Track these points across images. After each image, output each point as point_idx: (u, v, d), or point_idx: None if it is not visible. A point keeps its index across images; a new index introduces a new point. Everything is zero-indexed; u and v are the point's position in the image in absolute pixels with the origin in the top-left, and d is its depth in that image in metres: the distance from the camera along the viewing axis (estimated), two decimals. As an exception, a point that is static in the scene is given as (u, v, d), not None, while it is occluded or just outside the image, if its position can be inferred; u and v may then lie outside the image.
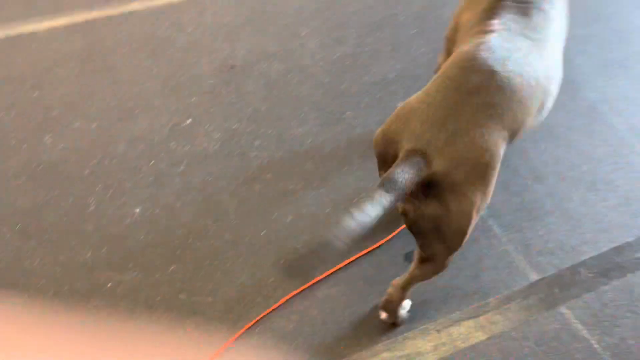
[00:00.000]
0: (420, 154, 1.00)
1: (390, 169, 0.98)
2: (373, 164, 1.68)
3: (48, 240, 1.49)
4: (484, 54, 1.11)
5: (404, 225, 1.48)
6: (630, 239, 1.62)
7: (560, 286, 1.53)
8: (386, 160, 1.09)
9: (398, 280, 1.36)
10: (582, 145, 1.80)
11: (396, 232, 1.57)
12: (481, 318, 1.46)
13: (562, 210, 1.66)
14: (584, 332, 1.45)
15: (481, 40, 1.15)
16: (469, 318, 1.46)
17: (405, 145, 1.02)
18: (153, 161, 1.65)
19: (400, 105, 1.11)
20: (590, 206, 1.67)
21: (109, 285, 1.44)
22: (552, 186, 1.71)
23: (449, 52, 1.44)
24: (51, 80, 1.80)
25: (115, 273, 1.46)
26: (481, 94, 1.05)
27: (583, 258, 1.57)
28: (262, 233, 1.55)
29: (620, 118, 1.87)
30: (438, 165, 1.00)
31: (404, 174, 0.97)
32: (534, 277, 1.54)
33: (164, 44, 1.91)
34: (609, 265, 1.57)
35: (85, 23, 1.94)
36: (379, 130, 1.11)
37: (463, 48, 1.16)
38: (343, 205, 1.61)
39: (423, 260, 1.22)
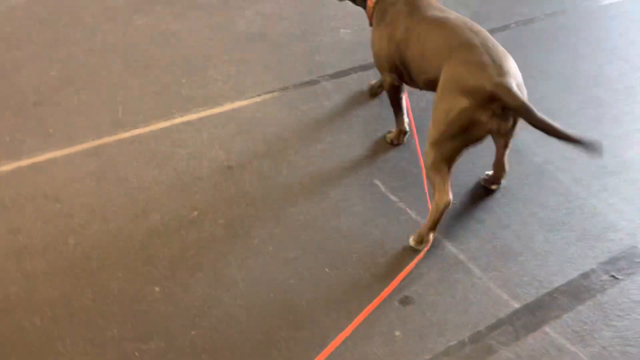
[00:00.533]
0: None
1: None
2: (352, 228, 1.93)
3: (77, 323, 1.64)
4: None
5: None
6: (593, 266, 1.84)
7: (541, 310, 1.71)
8: None
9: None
10: (537, 197, 2.09)
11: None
12: (476, 344, 1.62)
13: (529, 250, 1.90)
14: (569, 346, 1.62)
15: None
16: (464, 345, 1.62)
17: None
18: (167, 249, 1.86)
19: None
20: (552, 244, 1.92)
21: (135, 354, 1.57)
22: (517, 231, 1.96)
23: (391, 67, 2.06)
24: (70, 194, 2.05)
25: (140, 343, 1.60)
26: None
27: (556, 285, 1.78)
28: (270, 296, 1.73)
29: (565, 173, 2.18)
30: None
31: None
32: (516, 305, 1.72)
33: (168, 157, 2.21)
34: (580, 289, 1.78)
35: (97, 147, 2.25)
36: None
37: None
38: (337, 267, 1.82)
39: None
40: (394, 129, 2.28)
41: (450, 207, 1.82)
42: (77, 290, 1.73)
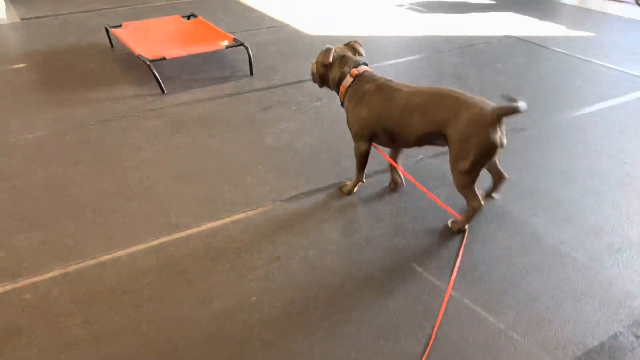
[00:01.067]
0: None
1: None
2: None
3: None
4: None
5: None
6: (620, 329, 2.03)
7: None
8: None
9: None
10: (558, 272, 2.32)
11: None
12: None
13: (561, 317, 2.09)
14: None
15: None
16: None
17: None
18: (232, 330, 2.03)
19: None
20: (579, 312, 2.12)
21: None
22: (546, 302, 2.17)
23: (371, 136, 2.67)
24: (137, 287, 2.23)
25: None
26: None
27: (590, 347, 1.96)
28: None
29: (578, 252, 2.44)
30: None
31: None
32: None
33: (221, 251, 2.43)
34: (612, 349, 1.95)
35: (156, 246, 2.47)
36: None
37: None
38: (387, 338, 1.99)
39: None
40: (349, 182, 2.89)
41: (482, 209, 2.53)
42: (155, 370, 1.86)
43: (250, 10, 6.13)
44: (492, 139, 2.31)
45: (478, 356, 1.93)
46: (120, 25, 4.83)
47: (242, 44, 4.35)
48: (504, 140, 2.38)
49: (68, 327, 2.05)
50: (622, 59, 4.69)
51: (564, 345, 1.97)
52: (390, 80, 2.61)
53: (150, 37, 4.59)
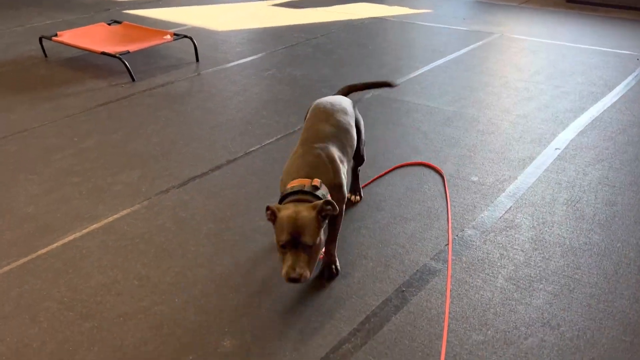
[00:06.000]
0: None
1: None
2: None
3: None
4: None
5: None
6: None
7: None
8: None
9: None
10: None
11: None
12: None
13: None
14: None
15: None
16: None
17: None
18: (321, 191, 3.08)
19: None
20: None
21: None
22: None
23: None
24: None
25: None
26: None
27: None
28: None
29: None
30: None
31: None
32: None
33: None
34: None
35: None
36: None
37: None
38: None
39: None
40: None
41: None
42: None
43: (143, 18, 6.84)
44: None
45: (467, 173, 3.25)
46: (55, 34, 5.32)
47: (185, 36, 5.22)
48: None
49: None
50: (457, 22, 6.50)
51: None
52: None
53: (97, 39, 5.20)
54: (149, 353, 2.05)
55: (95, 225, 2.81)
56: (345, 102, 2.69)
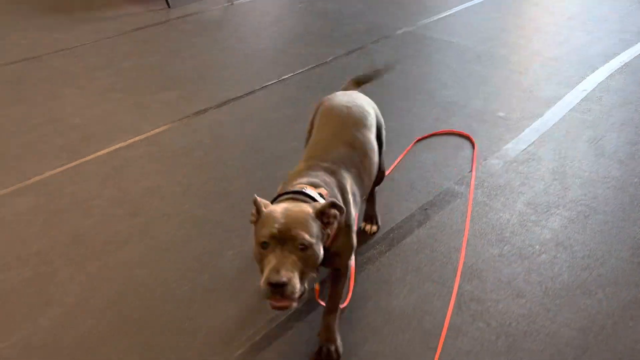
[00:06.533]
0: None
1: None
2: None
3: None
4: None
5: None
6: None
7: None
8: None
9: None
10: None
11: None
12: (529, 119, 3.23)
13: (526, 89, 3.60)
14: (567, 113, 3.30)
15: None
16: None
17: None
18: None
19: None
20: (534, 86, 3.64)
21: None
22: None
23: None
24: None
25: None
26: None
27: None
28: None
29: (519, 64, 3.96)
30: None
31: None
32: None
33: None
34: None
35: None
36: None
37: None
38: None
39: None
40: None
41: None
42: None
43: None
44: None
45: (494, 109, 3.34)
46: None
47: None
48: None
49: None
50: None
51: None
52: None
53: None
54: (193, 247, 2.25)
55: (138, 138, 2.99)
56: (364, 104, 2.04)
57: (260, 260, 1.47)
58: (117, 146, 2.91)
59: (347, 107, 1.95)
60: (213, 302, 2.00)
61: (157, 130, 3.05)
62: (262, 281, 1.41)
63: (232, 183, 2.64)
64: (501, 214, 2.45)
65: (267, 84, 3.58)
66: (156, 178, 2.67)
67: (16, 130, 3.04)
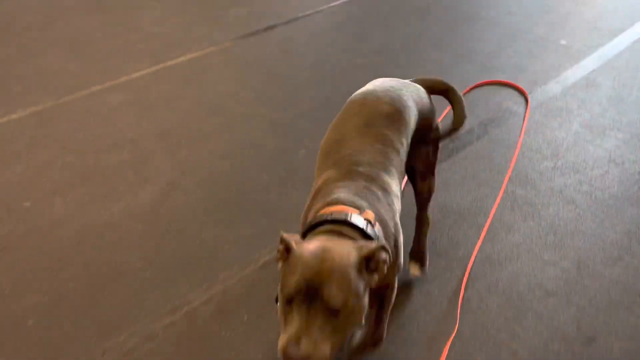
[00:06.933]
0: None
1: None
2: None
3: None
4: None
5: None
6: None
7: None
8: None
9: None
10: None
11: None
12: (592, 48, 3.26)
13: (591, 20, 3.60)
14: (631, 44, 3.31)
15: None
16: (588, 48, 3.26)
17: None
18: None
19: None
20: (599, 17, 3.63)
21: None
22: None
23: None
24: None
25: (442, 65, 3.03)
26: None
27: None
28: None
29: None
30: None
31: None
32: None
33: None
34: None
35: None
36: None
37: None
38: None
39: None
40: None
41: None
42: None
43: None
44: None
45: (556, 38, 3.38)
46: None
47: None
48: None
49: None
50: None
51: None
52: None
53: None
54: (269, 145, 2.48)
55: (213, 48, 3.19)
56: (403, 96, 1.62)
57: (284, 316, 1.14)
58: (195, 54, 3.12)
59: (377, 98, 1.58)
60: (288, 190, 2.23)
61: (230, 42, 3.24)
62: (279, 347, 1.10)
63: (302, 92, 2.82)
64: (557, 132, 2.57)
65: (333, 4, 3.70)
66: (232, 84, 2.88)
67: (101, 37, 3.29)
